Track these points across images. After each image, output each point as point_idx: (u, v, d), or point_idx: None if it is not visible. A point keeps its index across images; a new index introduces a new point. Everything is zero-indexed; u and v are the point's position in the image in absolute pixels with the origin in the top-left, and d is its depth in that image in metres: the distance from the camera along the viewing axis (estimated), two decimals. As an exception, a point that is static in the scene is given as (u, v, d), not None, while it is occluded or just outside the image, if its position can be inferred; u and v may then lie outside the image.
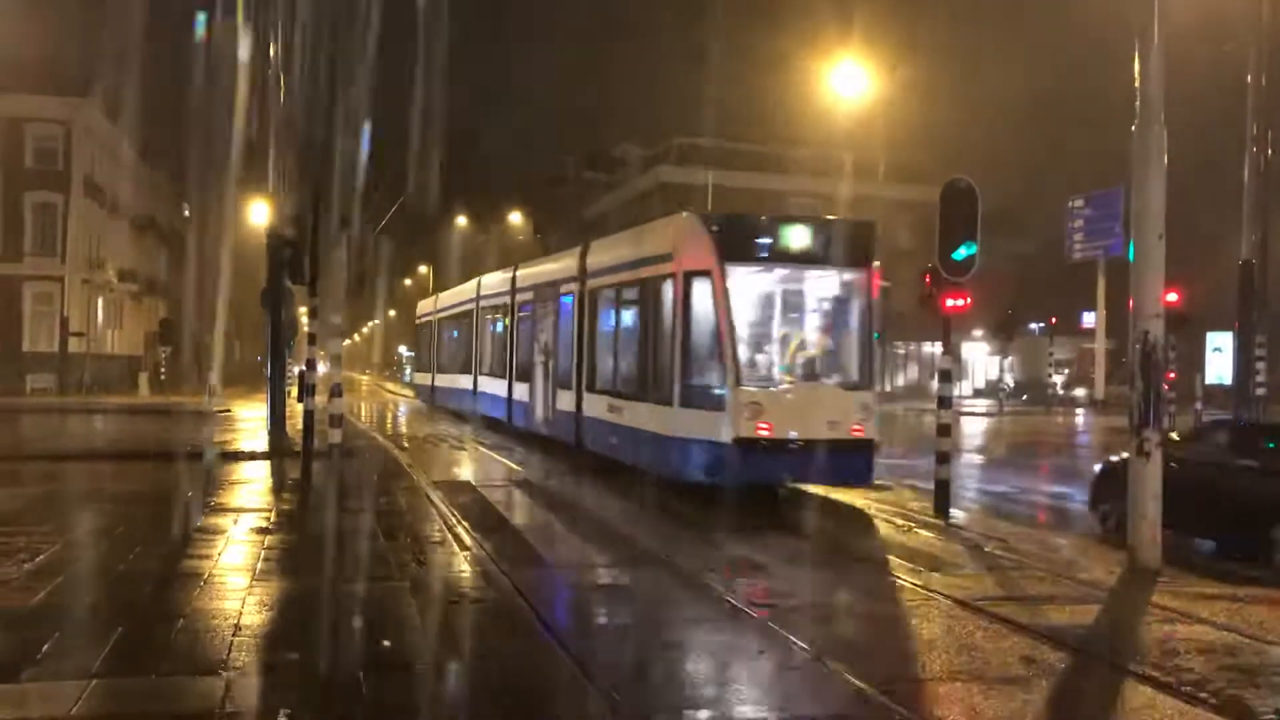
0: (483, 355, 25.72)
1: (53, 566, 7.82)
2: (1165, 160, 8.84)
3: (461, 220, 73.31)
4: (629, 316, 15.19)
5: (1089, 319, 43.76)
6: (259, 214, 34.38)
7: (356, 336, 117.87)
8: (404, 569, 8.08)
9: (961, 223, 11.54)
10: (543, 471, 15.81)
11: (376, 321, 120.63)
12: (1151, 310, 8.79)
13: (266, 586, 7.44)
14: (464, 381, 27.26)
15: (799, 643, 6.23)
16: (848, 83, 37.39)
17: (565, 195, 73.34)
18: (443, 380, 31.61)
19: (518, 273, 22.47)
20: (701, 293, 12.75)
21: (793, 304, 13.76)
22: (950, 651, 6.29)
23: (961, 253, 11.50)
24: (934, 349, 50.96)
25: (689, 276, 12.93)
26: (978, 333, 52.79)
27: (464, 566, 8.35)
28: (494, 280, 25.16)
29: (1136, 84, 8.89)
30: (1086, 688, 5.87)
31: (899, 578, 8.32)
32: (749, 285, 13.29)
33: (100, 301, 48.13)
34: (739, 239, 13.20)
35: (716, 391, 12.44)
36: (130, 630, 6.12)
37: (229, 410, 27.54)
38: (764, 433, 12.06)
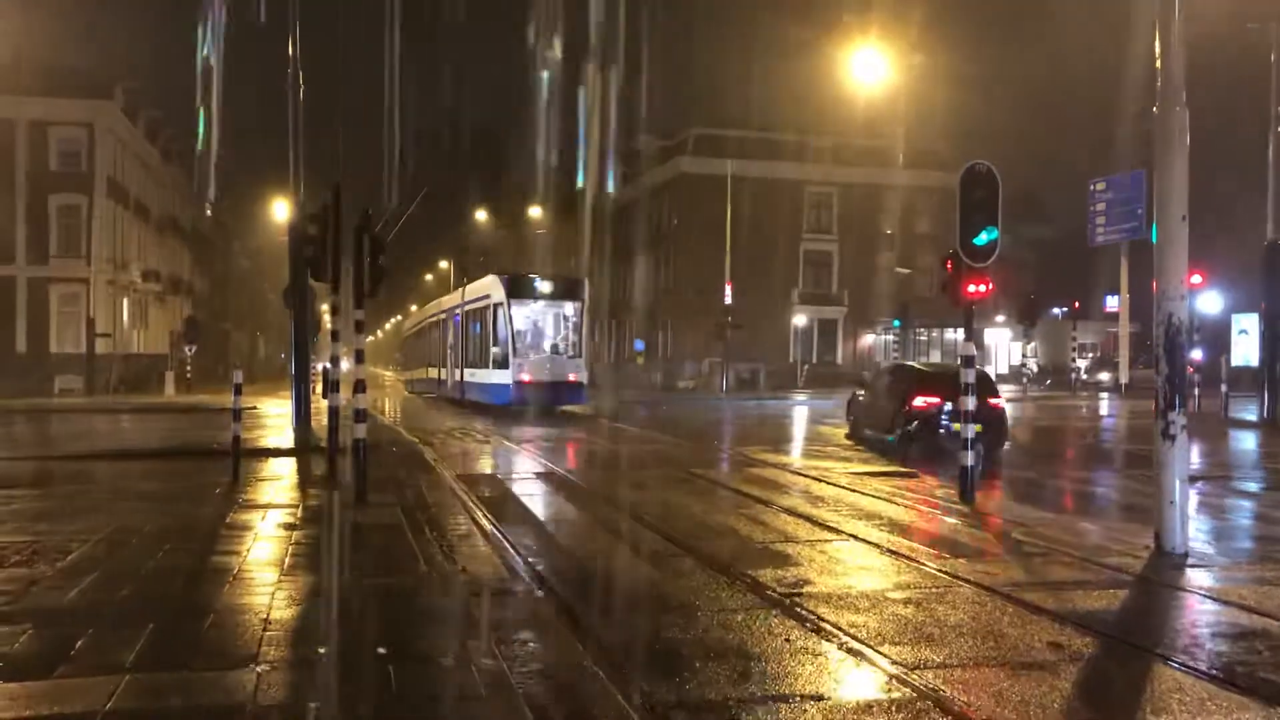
0: (429, 354, 40.19)
1: (84, 564, 7.91)
2: (1188, 141, 8.78)
3: (481, 214, 73.40)
4: (478, 326, 29.29)
5: (1112, 303, 43.49)
6: (280, 212, 34.55)
7: (379, 333, 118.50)
8: (431, 562, 8.13)
9: (982, 208, 11.49)
10: (564, 465, 15.86)
11: (400, 317, 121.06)
12: (1176, 293, 8.73)
13: (295, 581, 7.50)
14: (420, 372, 42.93)
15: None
16: (867, 70, 37.24)
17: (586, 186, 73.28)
18: (416, 374, 46.07)
19: (442, 300, 38.89)
20: (501, 314, 26.66)
21: (545, 317, 27.63)
22: (976, 637, 6.28)
23: (983, 238, 11.46)
24: (956, 335, 50.79)
25: (495, 306, 27.15)
26: (1000, 318, 52.60)
27: (489, 558, 8.40)
28: (431, 306, 42.48)
29: (1158, 64, 8.81)
30: (1114, 672, 5.85)
31: (923, 564, 8.31)
32: (523, 310, 26.99)
33: (125, 302, 48.52)
34: (518, 287, 27.25)
35: (506, 359, 26.12)
36: (162, 626, 6.19)
37: (255, 407, 27.71)
38: (527, 378, 25.84)
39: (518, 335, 26.33)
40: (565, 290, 27.88)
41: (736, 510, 11.39)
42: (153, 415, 27.63)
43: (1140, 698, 5.35)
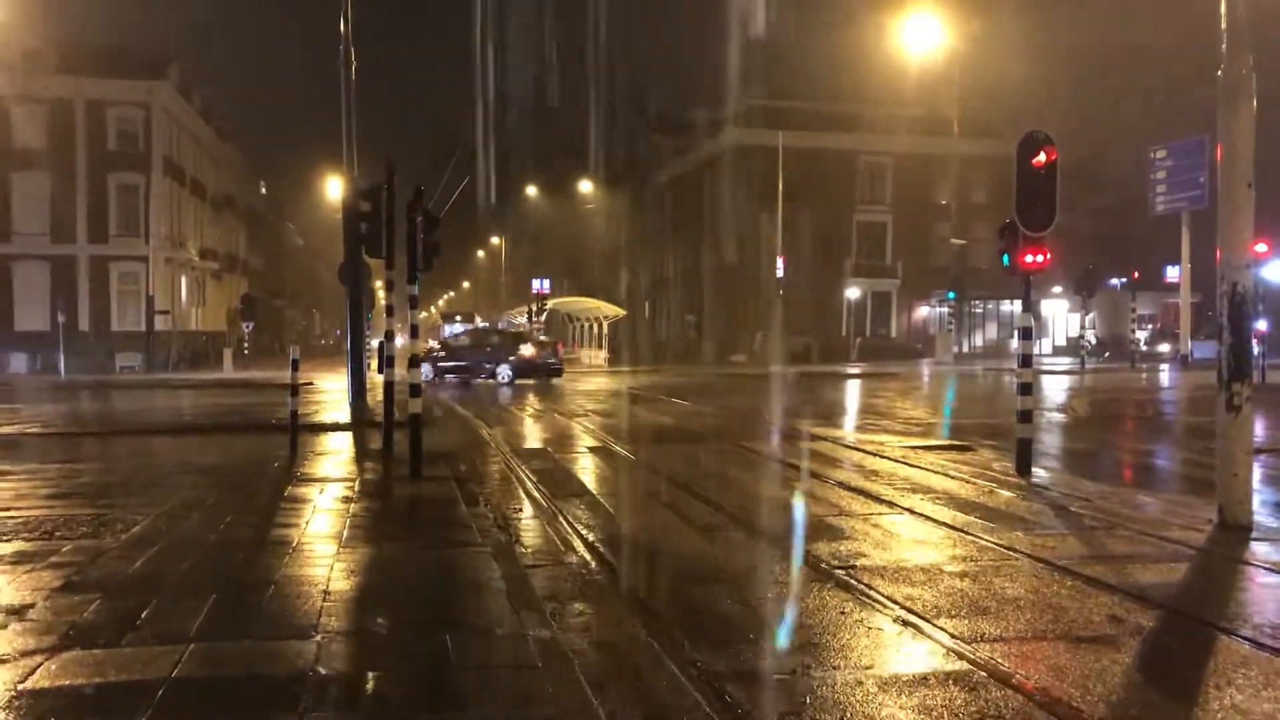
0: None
1: (148, 536, 8.07)
2: (1255, 104, 8.53)
3: (532, 190, 73.43)
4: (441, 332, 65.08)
5: (1173, 273, 42.60)
6: (334, 189, 34.85)
7: (433, 308, 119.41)
8: (486, 534, 8.19)
9: (1040, 176, 11.27)
10: (616, 438, 15.90)
11: (453, 294, 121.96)
12: (1240, 261, 8.51)
13: (353, 553, 7.60)
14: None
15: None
16: (922, 38, 36.67)
17: (636, 161, 73.09)
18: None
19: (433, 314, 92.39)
20: (445, 327, 65.59)
21: (457, 328, 57.33)
22: (1034, 610, 6.21)
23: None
24: (1013, 307, 50.13)
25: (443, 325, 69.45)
26: (1057, 289, 51.76)
27: (543, 530, 8.45)
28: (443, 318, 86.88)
29: (1223, 24, 8.57)
30: (1177, 646, 5.75)
31: (980, 538, 8.23)
32: (452, 326, 60.72)
33: (183, 279, 49.25)
34: (449, 315, 73.68)
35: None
36: (224, 596, 6.31)
37: (311, 383, 28.06)
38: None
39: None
40: (467, 317, 63.45)
41: (788, 483, 11.35)
42: (211, 391, 28.10)
43: (1204, 672, 5.25)
